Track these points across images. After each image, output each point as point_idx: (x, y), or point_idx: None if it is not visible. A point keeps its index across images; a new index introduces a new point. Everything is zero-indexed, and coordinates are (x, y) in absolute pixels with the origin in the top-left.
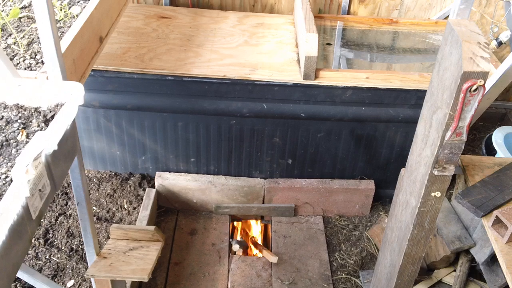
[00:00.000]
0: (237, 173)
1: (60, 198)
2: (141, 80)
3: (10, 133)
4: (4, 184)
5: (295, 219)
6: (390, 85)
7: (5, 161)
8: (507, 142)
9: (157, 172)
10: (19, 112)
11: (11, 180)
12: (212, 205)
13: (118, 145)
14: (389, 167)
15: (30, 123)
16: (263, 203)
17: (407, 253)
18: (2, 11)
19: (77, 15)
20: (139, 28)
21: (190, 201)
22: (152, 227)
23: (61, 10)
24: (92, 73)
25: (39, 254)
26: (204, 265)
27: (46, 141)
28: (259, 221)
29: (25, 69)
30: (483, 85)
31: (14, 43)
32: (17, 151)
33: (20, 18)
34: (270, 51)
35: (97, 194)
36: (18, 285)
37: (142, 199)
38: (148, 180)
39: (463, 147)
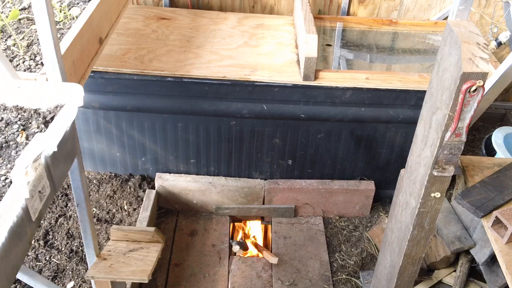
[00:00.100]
0: (237, 174)
1: (60, 199)
2: (141, 81)
3: (10, 134)
4: (3, 185)
5: (295, 220)
6: (389, 86)
7: (4, 162)
8: (506, 142)
9: (157, 173)
10: (18, 114)
11: (11, 182)
12: (212, 206)
13: (118, 146)
14: (389, 167)
15: (30, 125)
16: (263, 204)
17: (407, 253)
18: (1, 13)
19: (76, 17)
20: (139, 30)
21: (190, 202)
22: (152, 228)
23: (60, 11)
24: (91, 74)
25: (39, 255)
26: (204, 266)
27: (46, 142)
28: (259, 222)
29: (24, 70)
30: (483, 86)
31: (14, 45)
32: (16, 152)
33: (19, 19)
34: (270, 52)
35: (97, 196)
36: (18, 287)
37: (142, 200)
38: (148, 181)
39: (462, 147)
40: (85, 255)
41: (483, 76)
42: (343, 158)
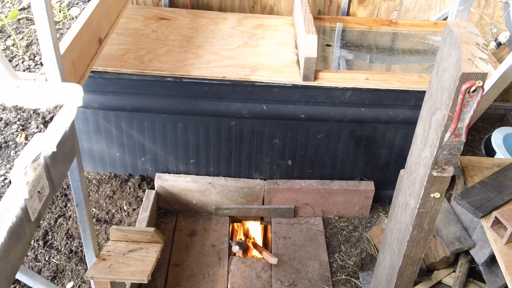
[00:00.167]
0: (237, 174)
1: (59, 199)
2: (141, 82)
3: (9, 134)
4: (2, 186)
5: (295, 220)
6: (389, 86)
7: (3, 163)
8: (506, 143)
9: (156, 174)
10: (18, 114)
11: (10, 182)
12: (211, 207)
13: (117, 147)
14: (389, 168)
15: (29, 125)
16: (263, 204)
17: (407, 254)
18: (1, 13)
19: (76, 17)
20: (139, 30)
21: (190, 202)
22: (151, 229)
23: (60, 11)
24: (91, 74)
25: (38, 256)
26: (203, 267)
27: (45, 142)
28: (258, 222)
29: (24, 70)
30: (482, 86)
31: (13, 45)
32: (15, 153)
33: (19, 19)
34: (269, 52)
35: (96, 196)
36: (17, 287)
37: (141, 201)
38: (147, 181)
39: (462, 148)
40: (84, 256)
41: (483, 76)
42: (342, 158)
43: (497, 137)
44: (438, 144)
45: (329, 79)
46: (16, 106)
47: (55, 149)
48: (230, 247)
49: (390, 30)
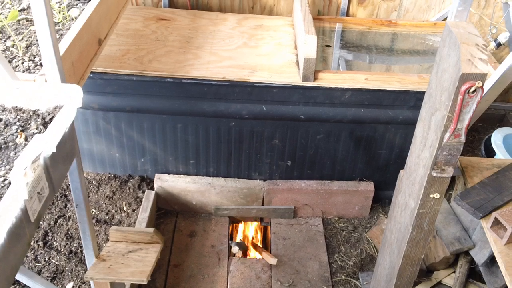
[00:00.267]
0: (237, 175)
1: (59, 200)
2: (140, 82)
3: (9, 135)
4: (2, 187)
5: (295, 221)
6: (389, 87)
7: (3, 163)
8: (506, 143)
9: (156, 174)
10: (17, 115)
11: (10, 183)
12: (211, 207)
13: (117, 147)
14: (389, 168)
15: (29, 126)
16: (263, 205)
17: (406, 254)
18: (0, 14)
19: (75, 18)
20: (138, 30)
21: (190, 203)
22: (151, 229)
23: (59, 12)
24: (91, 75)
25: (38, 256)
26: (203, 267)
27: (45, 143)
28: (258, 223)
29: (23, 71)
30: (482, 87)
31: (13, 46)
32: (15, 153)
33: (18, 20)
34: (269, 53)
35: (96, 196)
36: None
37: (141, 201)
38: (147, 182)
39: (461, 148)
40: (84, 256)
41: (482, 77)
42: (342, 159)
43: (497, 137)
44: (437, 145)
45: (328, 79)
46: (16, 107)
47: (54, 150)
48: (229, 247)
49: (390, 30)
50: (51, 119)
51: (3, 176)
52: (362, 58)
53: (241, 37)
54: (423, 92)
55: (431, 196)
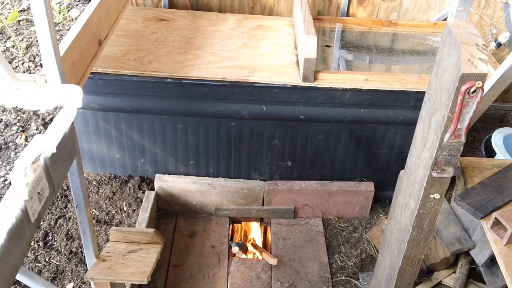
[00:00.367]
0: (237, 175)
1: (59, 200)
2: (140, 83)
3: (9, 136)
4: (2, 187)
5: (295, 221)
6: (389, 87)
7: (3, 164)
8: (506, 143)
9: (156, 175)
10: (17, 115)
11: (10, 183)
12: (211, 207)
13: (117, 148)
14: (389, 168)
15: (29, 126)
16: (263, 205)
17: (407, 255)
18: (1, 14)
19: (75, 18)
20: (138, 31)
21: (190, 203)
22: (151, 230)
23: (60, 13)
24: (91, 75)
25: (38, 256)
26: (203, 268)
27: (45, 144)
28: (258, 223)
29: (24, 72)
30: (482, 87)
31: (13, 46)
32: (15, 154)
33: (19, 21)
34: (269, 53)
35: (96, 197)
36: None
37: (141, 202)
38: (147, 182)
39: (462, 149)
40: (84, 256)
41: (482, 77)
42: (342, 159)
43: (497, 137)
44: (437, 145)
45: (328, 80)
46: (16, 107)
47: (55, 150)
48: (230, 248)
49: (390, 30)
50: (51, 120)
51: (4, 177)
52: (362, 58)
53: (241, 38)
54: (423, 93)
55: (431, 196)
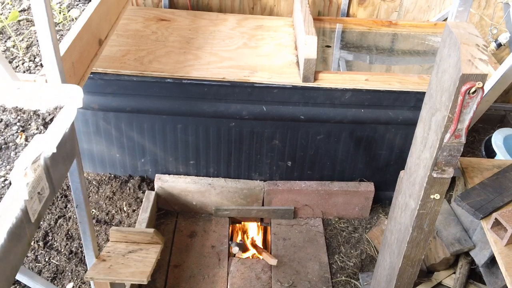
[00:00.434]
0: (237, 175)
1: (59, 200)
2: (141, 83)
3: (9, 136)
4: (2, 187)
5: (295, 222)
6: (389, 87)
7: (4, 164)
8: (506, 144)
9: (156, 175)
10: (18, 115)
11: (10, 183)
12: (211, 208)
13: (117, 148)
14: (389, 169)
15: (29, 126)
16: (263, 205)
17: (407, 255)
18: (1, 14)
19: (76, 18)
20: (138, 31)
21: (190, 203)
22: (151, 230)
23: (60, 13)
24: (91, 75)
25: (38, 256)
26: (203, 268)
27: (45, 144)
28: (258, 223)
29: (24, 72)
30: (482, 87)
31: (13, 46)
32: (16, 154)
33: (19, 21)
34: (269, 53)
35: (96, 197)
36: None
37: (141, 202)
38: (147, 182)
39: (462, 149)
40: (84, 256)
41: (483, 77)
42: (342, 159)
43: (497, 138)
44: (438, 145)
45: (328, 80)
46: (16, 107)
47: (55, 150)
48: (230, 248)
49: (390, 31)
50: (51, 120)
51: (4, 176)
52: (362, 58)
53: (241, 38)
54: (424, 93)
55: (432, 196)
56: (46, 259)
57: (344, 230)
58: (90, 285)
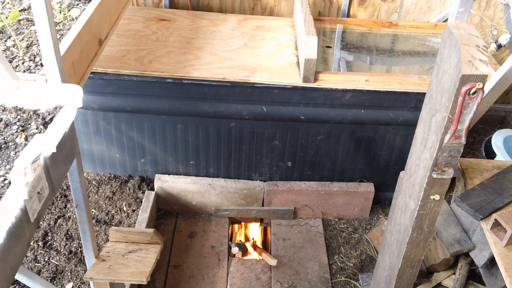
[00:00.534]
0: (237, 175)
1: (59, 200)
2: (141, 83)
3: (9, 135)
4: (2, 186)
5: (295, 222)
6: (389, 88)
7: (3, 163)
8: (506, 145)
9: (156, 175)
10: (18, 115)
11: (10, 183)
12: (211, 208)
13: (117, 148)
14: (389, 169)
15: (29, 126)
16: (263, 205)
17: (406, 256)
18: (1, 14)
19: (76, 18)
20: (139, 31)
21: (190, 203)
22: (151, 230)
23: (60, 12)
24: (91, 75)
25: (38, 256)
26: (203, 268)
27: (45, 143)
28: (258, 224)
29: (24, 71)
30: (482, 88)
31: (13, 46)
32: (15, 153)
33: (19, 20)
34: (269, 53)
35: (96, 197)
36: None
37: (141, 202)
38: (147, 182)
39: (462, 150)
40: (84, 256)
41: (483, 78)
42: (342, 160)
43: (497, 139)
44: (438, 146)
45: (329, 80)
46: (16, 107)
47: (55, 150)
48: (229, 248)
49: (390, 31)
50: (51, 119)
51: (3, 176)
52: (362, 59)
53: (241, 38)
54: (424, 94)
55: (431, 197)
56: (46, 259)
57: (344, 231)
58: (89, 285)
